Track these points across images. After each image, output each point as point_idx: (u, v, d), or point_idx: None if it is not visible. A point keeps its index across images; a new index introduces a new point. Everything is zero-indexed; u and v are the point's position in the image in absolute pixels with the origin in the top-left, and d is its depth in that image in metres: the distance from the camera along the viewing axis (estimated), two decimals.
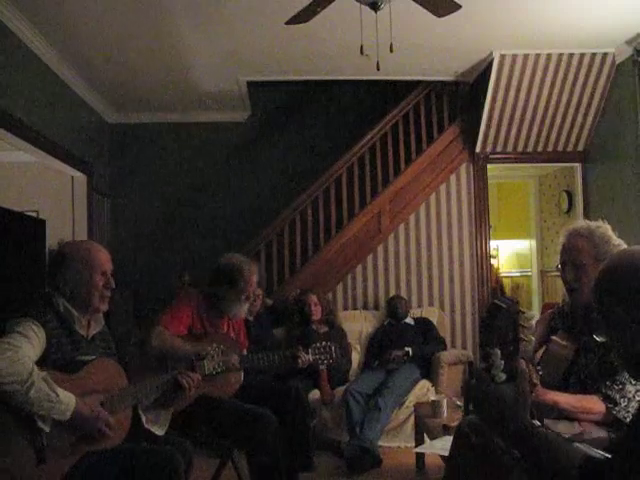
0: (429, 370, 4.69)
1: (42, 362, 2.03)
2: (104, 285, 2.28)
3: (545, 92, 5.22)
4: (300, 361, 3.17)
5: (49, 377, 1.96)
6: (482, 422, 1.38)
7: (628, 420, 2.02)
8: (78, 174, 5.39)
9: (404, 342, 4.74)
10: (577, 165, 5.80)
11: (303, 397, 3.39)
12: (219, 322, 3.23)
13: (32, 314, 2.10)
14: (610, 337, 1.33)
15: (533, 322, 1.45)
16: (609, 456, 1.27)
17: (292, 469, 3.18)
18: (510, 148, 5.67)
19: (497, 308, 1.43)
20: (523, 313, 1.43)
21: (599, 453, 1.34)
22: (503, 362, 1.33)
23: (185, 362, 2.78)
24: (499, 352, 1.34)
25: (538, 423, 1.33)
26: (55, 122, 4.82)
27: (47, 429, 1.96)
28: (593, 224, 2.28)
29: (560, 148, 5.69)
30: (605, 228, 2.25)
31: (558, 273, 2.34)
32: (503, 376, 1.33)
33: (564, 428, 1.98)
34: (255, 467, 2.90)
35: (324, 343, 3.27)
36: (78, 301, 2.24)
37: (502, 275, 8.13)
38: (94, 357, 2.21)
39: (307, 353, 3.19)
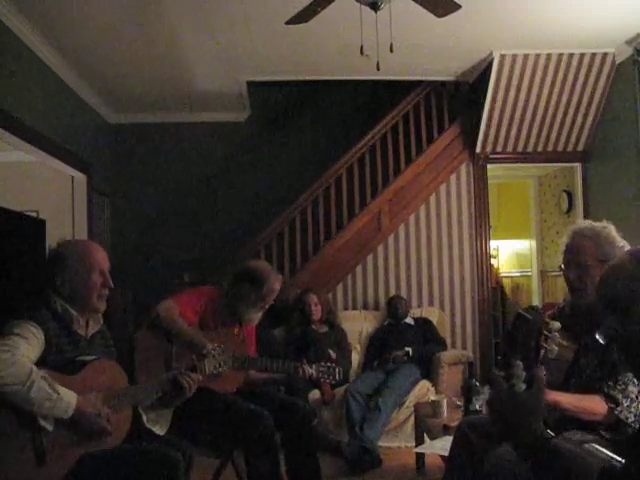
0: (429, 370, 4.70)
1: (42, 363, 2.03)
2: (102, 284, 2.27)
3: (545, 92, 5.22)
4: (301, 374, 3.17)
5: (49, 376, 1.96)
6: (497, 432, 1.36)
7: (630, 420, 2.01)
8: (78, 174, 5.39)
9: (404, 342, 4.74)
10: (577, 165, 5.80)
11: (311, 420, 3.29)
12: (231, 325, 3.22)
13: (30, 315, 2.09)
14: (613, 339, 1.32)
15: (557, 334, 1.44)
16: (622, 460, 1.25)
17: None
18: (510, 148, 5.67)
19: (522, 319, 1.42)
20: (547, 324, 1.42)
21: (611, 455, 1.32)
22: (525, 373, 1.32)
23: (188, 347, 2.79)
24: (521, 364, 1.32)
25: (552, 434, 1.31)
26: (55, 122, 4.81)
27: (50, 427, 1.96)
28: (598, 225, 2.27)
29: (560, 148, 5.69)
30: (610, 229, 2.24)
31: (559, 273, 2.34)
32: (523, 386, 1.32)
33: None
34: (253, 467, 2.90)
35: (329, 365, 3.26)
36: (76, 301, 2.23)
37: (502, 275, 8.13)
38: (94, 357, 2.21)
39: (311, 367, 3.19)
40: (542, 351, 1.37)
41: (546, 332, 1.38)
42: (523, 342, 1.37)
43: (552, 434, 1.30)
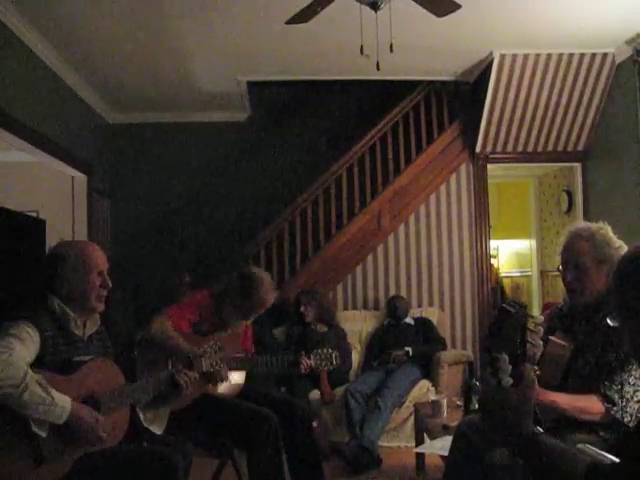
0: (429, 370, 4.70)
1: (38, 364, 2.02)
2: (101, 284, 2.27)
3: (545, 92, 5.22)
4: (302, 367, 3.17)
5: (44, 380, 1.94)
6: (487, 428, 1.35)
7: (626, 420, 2.02)
8: (78, 174, 5.39)
9: (404, 342, 4.75)
10: (577, 165, 5.80)
11: (311, 420, 3.31)
12: (224, 326, 3.22)
13: (27, 316, 2.08)
14: (624, 325, 1.30)
15: (541, 328, 1.43)
16: (615, 459, 1.25)
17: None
18: (510, 148, 5.67)
19: (505, 313, 1.42)
20: (532, 317, 1.41)
21: (603, 455, 1.33)
22: (510, 367, 1.32)
23: (181, 358, 2.79)
24: (507, 358, 1.32)
25: (541, 430, 1.31)
26: (55, 122, 4.81)
27: (43, 434, 1.93)
28: (595, 226, 2.28)
29: (560, 148, 5.69)
30: (606, 230, 2.25)
31: (559, 273, 2.34)
32: (510, 380, 1.31)
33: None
34: (255, 467, 2.90)
35: (326, 350, 3.26)
36: (75, 301, 2.22)
37: (502, 275, 8.13)
38: (91, 357, 2.20)
39: (309, 358, 3.20)
40: (528, 346, 1.37)
41: (530, 326, 1.38)
42: (508, 336, 1.37)
43: (541, 430, 1.30)
